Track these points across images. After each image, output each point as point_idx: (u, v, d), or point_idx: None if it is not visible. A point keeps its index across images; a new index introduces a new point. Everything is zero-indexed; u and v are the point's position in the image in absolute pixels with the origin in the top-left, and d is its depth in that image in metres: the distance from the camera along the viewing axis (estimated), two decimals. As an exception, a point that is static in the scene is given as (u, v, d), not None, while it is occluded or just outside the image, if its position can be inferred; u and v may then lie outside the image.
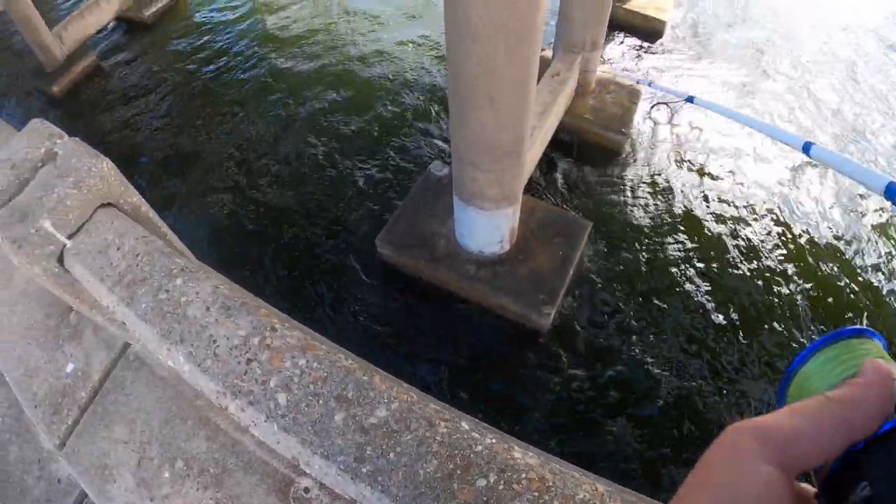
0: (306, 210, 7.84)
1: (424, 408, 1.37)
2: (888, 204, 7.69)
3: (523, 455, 1.29)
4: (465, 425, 1.34)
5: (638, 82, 7.20)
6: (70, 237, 2.04)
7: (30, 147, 2.19)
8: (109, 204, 2.20)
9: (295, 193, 8.10)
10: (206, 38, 11.72)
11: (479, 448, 1.29)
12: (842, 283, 7.32)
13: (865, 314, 7.04)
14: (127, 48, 11.66)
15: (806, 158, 6.57)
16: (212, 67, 10.87)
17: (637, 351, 6.42)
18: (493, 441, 1.31)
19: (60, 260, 2.05)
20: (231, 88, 10.27)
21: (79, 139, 2.21)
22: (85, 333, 2.41)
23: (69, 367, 2.32)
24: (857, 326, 0.75)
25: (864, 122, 9.70)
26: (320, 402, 1.43)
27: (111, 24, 12.13)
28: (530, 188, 7.60)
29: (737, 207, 8.21)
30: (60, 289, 2.14)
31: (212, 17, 12.58)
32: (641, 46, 11.88)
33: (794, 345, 6.58)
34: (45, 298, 2.52)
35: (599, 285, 6.99)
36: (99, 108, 10.20)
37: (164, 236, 2.47)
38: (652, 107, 3.84)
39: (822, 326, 6.81)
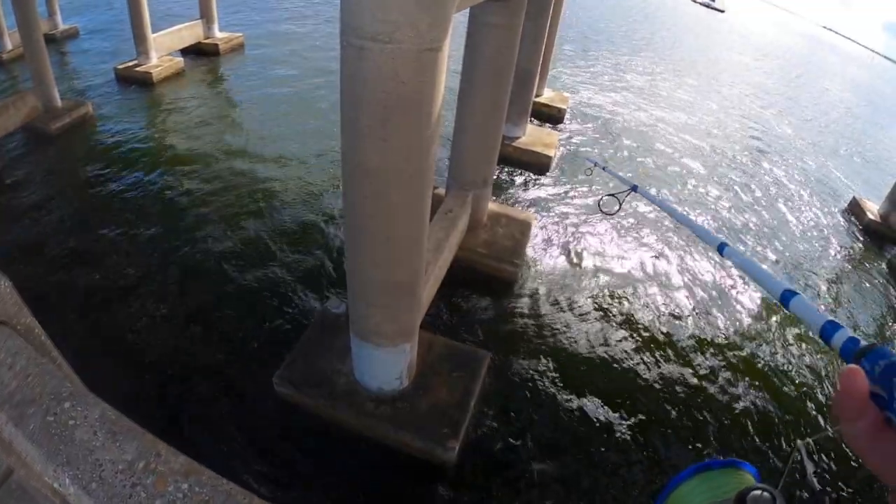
0: (202, 337, 7.60)
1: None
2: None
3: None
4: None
5: (595, 164, 7.68)
6: (-41, 351, 1.99)
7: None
8: (3, 323, 2.17)
9: (188, 320, 7.87)
10: (107, 160, 11.66)
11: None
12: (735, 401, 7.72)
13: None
14: (27, 159, 11.46)
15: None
16: (110, 187, 10.77)
17: (547, 478, 6.46)
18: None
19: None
20: (127, 210, 10.14)
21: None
22: (-37, 456, 2.32)
23: (-55, 493, 2.22)
24: (727, 459, 0.87)
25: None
26: (204, 522, 1.45)
27: (16, 132, 11.94)
28: (427, 323, 7.73)
29: (630, 327, 8.66)
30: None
31: (117, 138, 12.60)
32: (530, 179, 12.65)
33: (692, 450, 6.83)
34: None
35: (503, 415, 7.05)
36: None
37: (55, 360, 2.43)
38: (600, 200, 4.11)
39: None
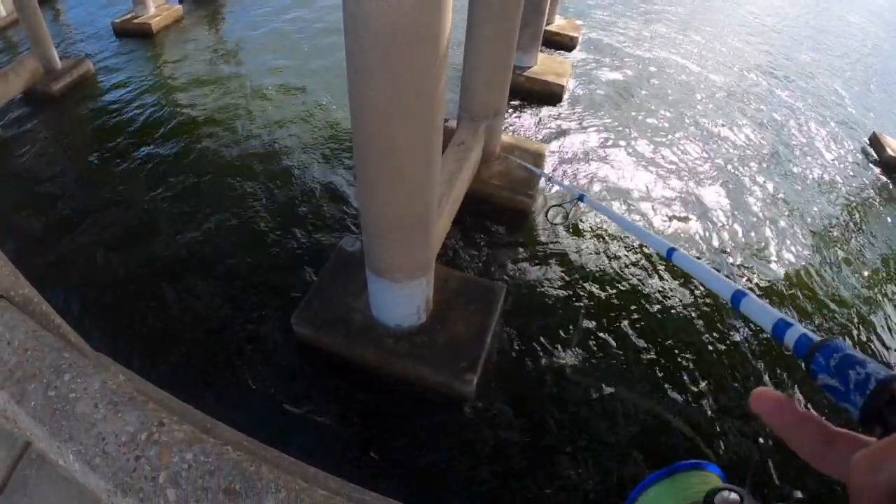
0: (218, 287, 7.64)
1: (313, 495, 1.36)
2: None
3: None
4: (354, 508, 1.33)
5: (541, 175, 7.65)
6: (-43, 330, 1.96)
7: None
8: (0, 296, 2.13)
9: (204, 273, 7.87)
10: (113, 115, 11.55)
11: (370, 530, 1.27)
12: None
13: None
14: (33, 122, 11.38)
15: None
16: (118, 143, 10.68)
17: (565, 410, 6.49)
18: (384, 522, 1.30)
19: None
20: (137, 166, 10.07)
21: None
22: (-17, 432, 2.30)
23: (-31, 469, 2.20)
24: (692, 460, 0.81)
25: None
26: (209, 496, 1.40)
27: (19, 97, 11.86)
28: (443, 256, 7.68)
29: (643, 256, 8.54)
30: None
31: (120, 93, 12.45)
32: (543, 109, 12.41)
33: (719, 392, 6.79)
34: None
35: (520, 346, 7.06)
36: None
37: (57, 329, 2.40)
38: (548, 210, 4.10)
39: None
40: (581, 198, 3.64)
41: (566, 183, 5.30)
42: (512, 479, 5.87)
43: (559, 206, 4.05)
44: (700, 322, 7.68)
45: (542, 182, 9.23)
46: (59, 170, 9.94)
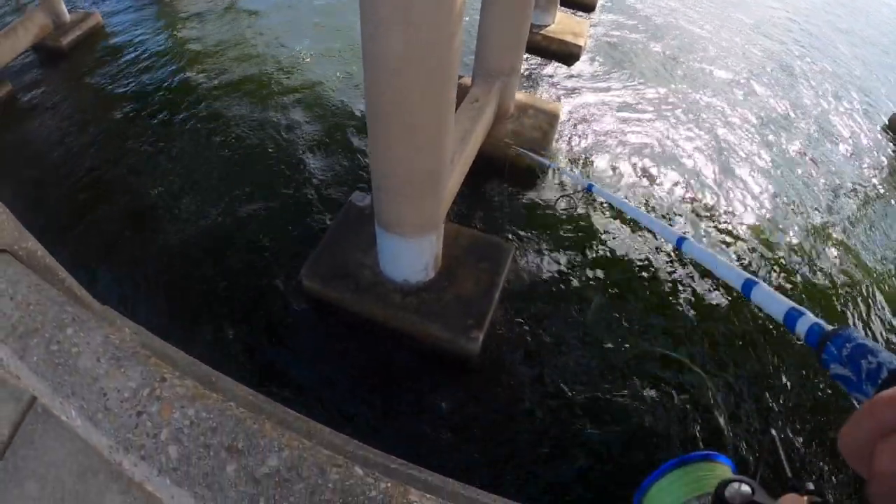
0: (228, 243, 7.66)
1: (316, 454, 1.35)
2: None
3: (420, 498, 1.27)
4: (358, 470, 1.32)
5: (549, 166, 7.56)
6: (-41, 284, 1.94)
7: None
8: (3, 250, 2.11)
9: (214, 226, 7.90)
10: (123, 68, 11.40)
11: (374, 493, 1.27)
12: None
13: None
14: (43, 77, 11.22)
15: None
16: (129, 101, 10.53)
17: (567, 372, 6.50)
18: (388, 486, 1.28)
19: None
20: (150, 120, 9.97)
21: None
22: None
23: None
24: (703, 451, 0.79)
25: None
26: (211, 453, 1.39)
27: (29, 52, 11.68)
28: (453, 213, 7.65)
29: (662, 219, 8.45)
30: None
31: (132, 46, 12.26)
32: (559, 69, 12.22)
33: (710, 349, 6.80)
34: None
35: (526, 307, 7.05)
36: (11, 138, 9.67)
37: (62, 282, 2.38)
38: (557, 200, 4.11)
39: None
40: (590, 188, 3.64)
41: (575, 173, 5.30)
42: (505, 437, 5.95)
43: (567, 196, 4.05)
44: (714, 296, 7.66)
45: (553, 151, 9.15)
46: (69, 124, 9.88)
